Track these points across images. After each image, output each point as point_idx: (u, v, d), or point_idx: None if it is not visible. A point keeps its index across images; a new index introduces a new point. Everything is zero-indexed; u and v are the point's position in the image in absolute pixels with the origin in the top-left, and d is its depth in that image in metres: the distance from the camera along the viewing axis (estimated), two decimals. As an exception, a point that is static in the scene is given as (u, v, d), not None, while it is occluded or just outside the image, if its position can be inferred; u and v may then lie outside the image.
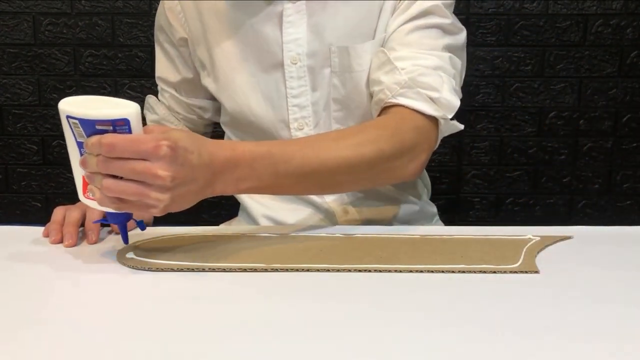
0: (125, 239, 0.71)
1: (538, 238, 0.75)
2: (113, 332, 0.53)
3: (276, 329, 0.54)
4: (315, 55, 0.88)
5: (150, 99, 1.05)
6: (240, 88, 0.91)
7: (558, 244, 0.74)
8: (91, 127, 0.61)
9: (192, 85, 0.99)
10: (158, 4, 1.72)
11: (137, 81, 1.73)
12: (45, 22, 1.70)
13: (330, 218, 0.93)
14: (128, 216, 0.69)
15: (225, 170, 0.67)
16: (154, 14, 1.73)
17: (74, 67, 1.73)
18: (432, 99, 0.81)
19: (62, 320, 0.55)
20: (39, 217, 1.79)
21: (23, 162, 1.78)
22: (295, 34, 0.87)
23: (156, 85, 1.04)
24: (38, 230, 0.79)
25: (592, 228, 0.80)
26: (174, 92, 1.01)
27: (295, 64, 0.88)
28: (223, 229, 0.84)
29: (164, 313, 0.57)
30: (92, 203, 0.66)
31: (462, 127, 0.87)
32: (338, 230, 0.79)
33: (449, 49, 0.86)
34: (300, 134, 0.90)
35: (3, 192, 1.80)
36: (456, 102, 0.83)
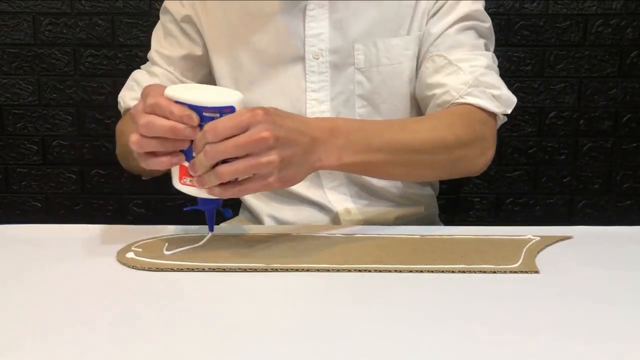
0: (211, 227, 0.72)
1: (538, 238, 0.75)
2: (113, 332, 0.53)
3: (276, 329, 0.54)
4: (338, 52, 0.89)
5: (137, 74, 0.97)
6: (257, 78, 0.91)
7: (558, 244, 0.74)
8: (199, 113, 0.64)
9: (192, 64, 0.96)
10: (158, 4, 1.72)
11: (137, 81, 1.73)
12: (45, 22, 1.70)
13: (333, 218, 0.93)
14: (219, 203, 0.70)
15: (323, 137, 0.70)
16: (154, 14, 1.73)
17: (74, 67, 1.73)
18: (494, 97, 0.85)
19: (62, 320, 0.55)
20: (39, 217, 1.79)
21: (23, 162, 1.78)
22: (317, 28, 0.88)
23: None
24: (38, 230, 0.79)
25: (592, 228, 0.80)
26: (170, 69, 0.95)
27: (317, 59, 0.89)
28: (223, 228, 0.84)
29: (164, 313, 0.57)
30: (188, 189, 0.68)
31: (506, 119, 0.91)
32: (338, 231, 0.79)
33: (488, 49, 0.91)
34: None
35: (3, 192, 1.80)
36: (514, 98, 0.88)
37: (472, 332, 0.53)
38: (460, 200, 1.78)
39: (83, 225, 0.80)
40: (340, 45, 0.89)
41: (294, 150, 0.66)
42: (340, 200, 0.93)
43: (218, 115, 0.64)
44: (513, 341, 0.52)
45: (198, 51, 0.95)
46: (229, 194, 0.66)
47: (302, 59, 0.89)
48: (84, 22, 1.70)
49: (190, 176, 0.66)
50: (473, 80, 0.85)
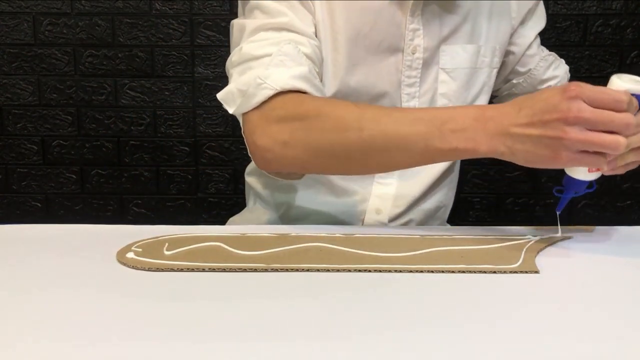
0: (561, 208, 0.76)
1: (538, 238, 0.75)
2: (112, 332, 0.53)
3: (276, 329, 0.54)
4: (428, 50, 0.90)
5: (286, 46, 0.80)
6: (356, 63, 0.89)
7: (558, 244, 0.75)
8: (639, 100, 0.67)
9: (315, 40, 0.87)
10: (158, 4, 1.72)
11: (137, 81, 1.73)
12: (45, 22, 1.70)
13: (358, 213, 0.93)
14: (585, 186, 0.73)
15: None
16: (154, 14, 1.73)
17: (74, 67, 1.73)
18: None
19: (61, 320, 0.55)
20: (39, 217, 1.79)
21: (23, 162, 1.78)
22: (415, 23, 0.89)
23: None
24: (38, 230, 0.79)
25: (592, 228, 0.80)
26: (313, 36, 0.85)
27: (414, 54, 0.90)
28: (223, 228, 0.84)
29: (164, 313, 0.57)
30: (589, 176, 0.71)
31: None
32: (338, 231, 0.79)
33: None
34: None
35: (3, 192, 1.80)
36: None
37: (472, 332, 0.53)
38: (460, 200, 1.78)
39: (83, 225, 0.80)
40: (429, 44, 0.90)
41: None
42: (380, 196, 0.94)
43: None
44: (513, 341, 0.52)
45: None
46: (629, 168, 0.70)
47: (400, 51, 0.90)
48: (84, 22, 1.70)
49: None
50: (567, 68, 1.04)
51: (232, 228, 0.83)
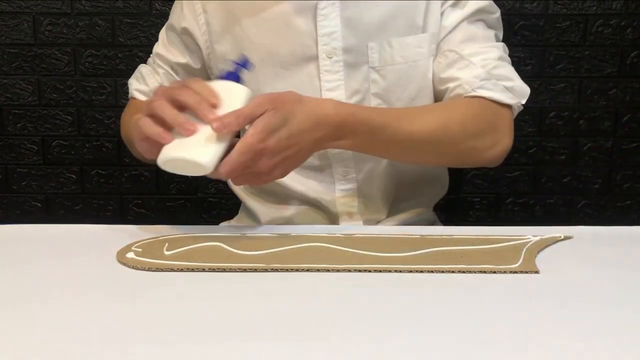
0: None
1: (538, 238, 0.75)
2: (112, 332, 0.53)
3: (276, 329, 0.54)
4: (351, 51, 0.88)
5: (143, 68, 1.01)
6: (269, 80, 0.90)
7: (558, 244, 0.74)
8: None
9: (190, 73, 0.97)
10: (158, 4, 1.72)
11: (137, 81, 1.73)
12: (45, 22, 1.70)
13: (333, 220, 0.93)
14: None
15: (327, 135, 0.76)
16: (154, 14, 1.73)
17: (74, 67, 1.73)
18: (507, 88, 0.87)
19: (61, 320, 0.55)
20: (39, 217, 1.79)
21: (23, 162, 1.78)
22: (329, 27, 0.87)
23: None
24: (38, 230, 0.79)
25: (592, 228, 0.80)
26: (172, 72, 0.99)
27: (331, 58, 0.88)
28: (223, 228, 0.84)
29: (164, 313, 0.57)
30: None
31: (522, 108, 0.91)
32: (338, 230, 0.79)
33: (498, 39, 0.93)
34: None
35: (3, 192, 1.80)
36: (528, 89, 0.90)
37: (472, 332, 0.53)
38: (460, 200, 1.78)
39: (83, 225, 0.80)
40: (353, 43, 0.87)
41: (295, 159, 0.74)
42: (346, 204, 0.93)
43: None
44: (513, 341, 0.52)
45: (196, 64, 0.97)
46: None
47: (315, 58, 0.88)
48: (84, 22, 1.70)
49: None
50: (485, 73, 0.86)
51: (232, 228, 0.83)
